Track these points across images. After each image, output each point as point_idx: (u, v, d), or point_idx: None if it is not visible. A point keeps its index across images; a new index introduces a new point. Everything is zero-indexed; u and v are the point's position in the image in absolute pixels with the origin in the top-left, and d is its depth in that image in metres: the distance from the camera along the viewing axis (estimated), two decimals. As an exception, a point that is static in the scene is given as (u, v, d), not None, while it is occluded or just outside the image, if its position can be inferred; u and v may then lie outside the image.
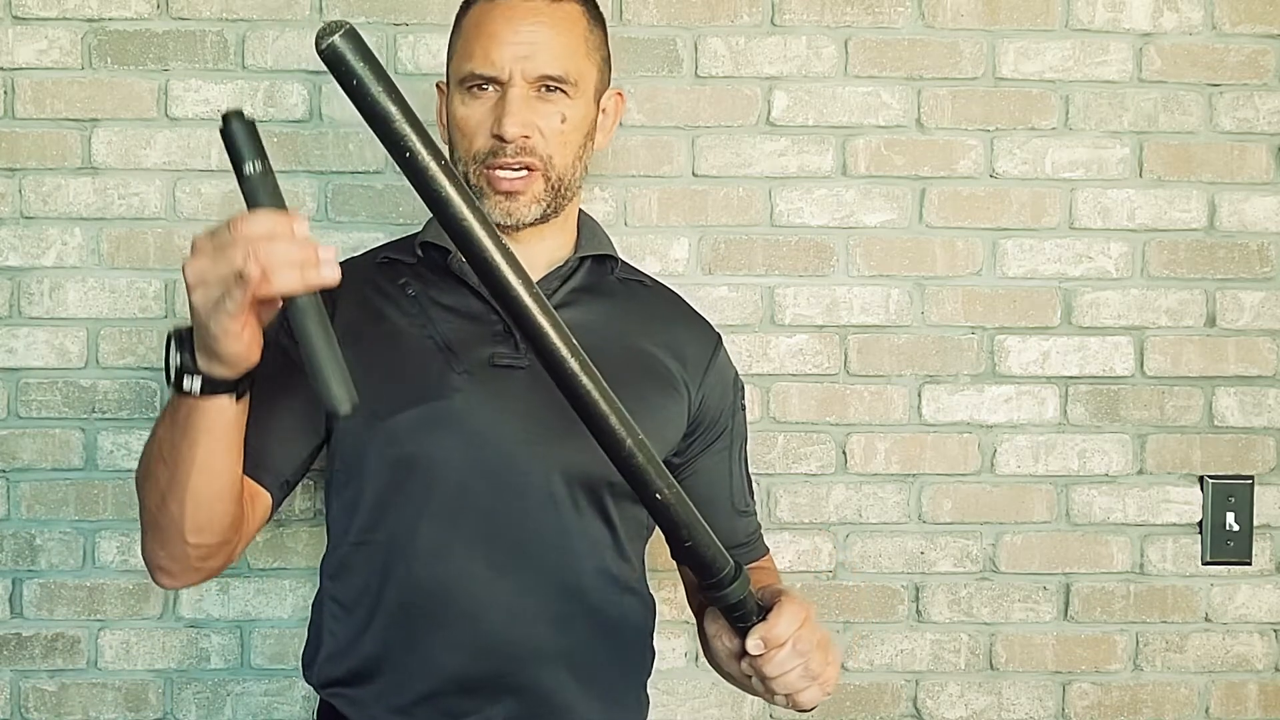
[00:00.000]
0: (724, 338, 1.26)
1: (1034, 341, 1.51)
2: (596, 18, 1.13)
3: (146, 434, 1.46)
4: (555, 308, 1.07)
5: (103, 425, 1.47)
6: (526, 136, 1.05)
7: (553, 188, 1.08)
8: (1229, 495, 1.51)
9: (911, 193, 1.50)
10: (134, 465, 1.47)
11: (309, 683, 1.13)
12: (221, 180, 1.47)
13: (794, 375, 1.50)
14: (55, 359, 1.47)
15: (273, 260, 0.76)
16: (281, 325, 1.01)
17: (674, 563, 1.23)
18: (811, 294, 1.50)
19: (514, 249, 1.08)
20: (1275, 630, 1.53)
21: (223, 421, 0.89)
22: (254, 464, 1.03)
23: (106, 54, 1.46)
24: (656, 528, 1.17)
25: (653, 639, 1.19)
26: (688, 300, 1.26)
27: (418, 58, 1.46)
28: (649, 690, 1.18)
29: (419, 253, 1.13)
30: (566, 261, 1.13)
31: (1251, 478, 1.52)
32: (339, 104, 1.46)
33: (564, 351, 0.82)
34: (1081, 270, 1.51)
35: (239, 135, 0.83)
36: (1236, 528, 1.51)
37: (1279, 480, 1.52)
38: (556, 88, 1.06)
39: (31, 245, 1.46)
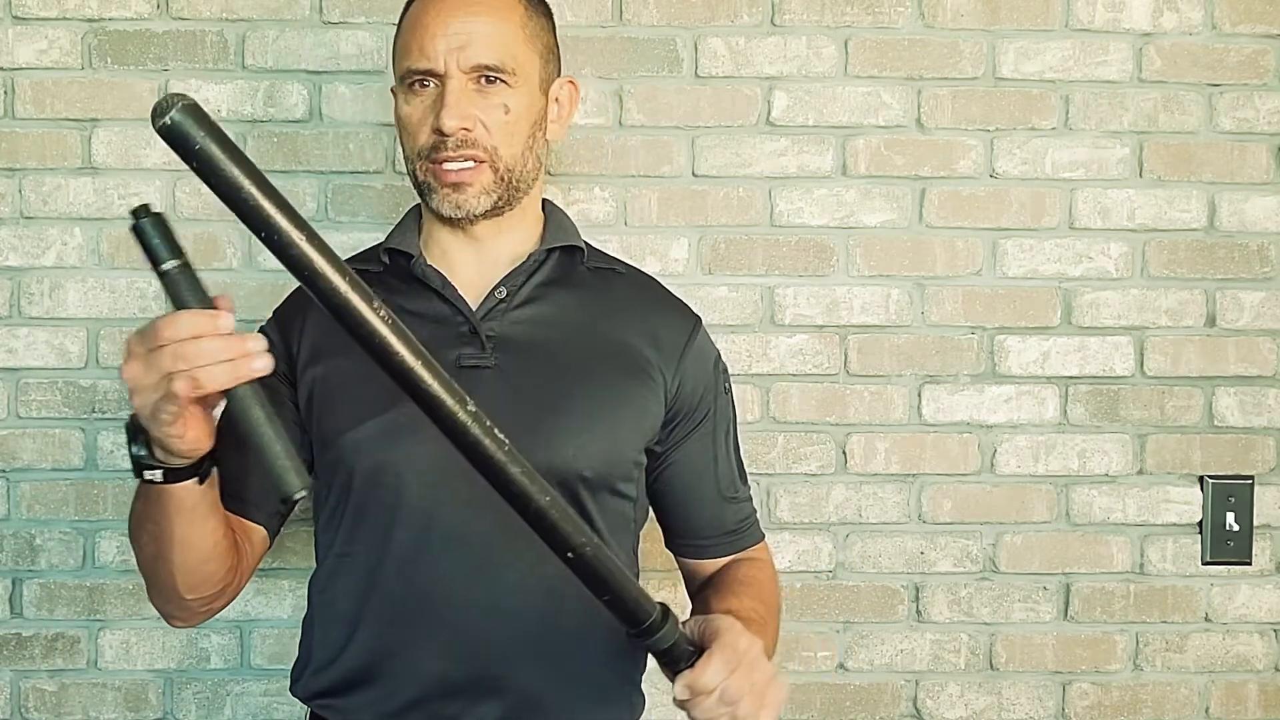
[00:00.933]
0: (724, 338, 1.25)
1: (1034, 341, 1.51)
2: (537, 7, 1.11)
3: (146, 434, 1.47)
4: (522, 304, 1.08)
5: (103, 425, 1.47)
6: (467, 129, 1.04)
7: (502, 179, 1.06)
8: (1229, 495, 1.51)
9: (911, 193, 1.50)
10: (134, 465, 1.47)
11: (296, 696, 1.13)
12: (221, 180, 1.47)
13: (794, 375, 1.50)
14: (55, 359, 1.47)
15: (200, 361, 0.77)
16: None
17: (670, 563, 1.23)
18: (811, 294, 1.50)
19: (472, 246, 1.10)
20: (1275, 630, 1.53)
21: (190, 501, 0.91)
22: (242, 501, 1.05)
23: (106, 54, 1.46)
24: (649, 520, 1.17)
25: None
26: (670, 290, 1.22)
27: (418, 58, 1.46)
28: (646, 689, 1.17)
29: (384, 260, 1.13)
30: (531, 255, 1.11)
31: (1251, 478, 1.52)
32: (339, 104, 1.46)
33: (462, 417, 0.78)
34: (1081, 270, 1.51)
35: (151, 233, 0.81)
36: (1236, 528, 1.51)
37: (1279, 480, 1.52)
38: (496, 78, 1.05)
39: (31, 245, 1.46)
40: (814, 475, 1.50)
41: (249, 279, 1.46)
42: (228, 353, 0.78)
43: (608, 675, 1.09)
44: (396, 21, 1.11)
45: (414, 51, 1.05)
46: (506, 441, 0.81)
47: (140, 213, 0.81)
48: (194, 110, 0.69)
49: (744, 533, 1.21)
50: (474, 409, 0.79)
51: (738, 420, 1.21)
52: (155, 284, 1.46)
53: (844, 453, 1.50)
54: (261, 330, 1.15)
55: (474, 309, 1.08)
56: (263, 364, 0.79)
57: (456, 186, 1.05)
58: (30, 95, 1.46)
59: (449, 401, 0.78)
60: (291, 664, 1.16)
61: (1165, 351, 1.51)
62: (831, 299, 1.50)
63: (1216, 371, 1.52)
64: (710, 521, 1.17)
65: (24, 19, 1.46)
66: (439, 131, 1.03)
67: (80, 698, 1.48)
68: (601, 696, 1.08)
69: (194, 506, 0.92)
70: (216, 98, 1.46)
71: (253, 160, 0.72)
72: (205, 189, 1.40)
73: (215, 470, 0.93)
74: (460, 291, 1.09)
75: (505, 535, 1.02)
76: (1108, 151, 1.50)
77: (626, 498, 1.11)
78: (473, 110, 1.04)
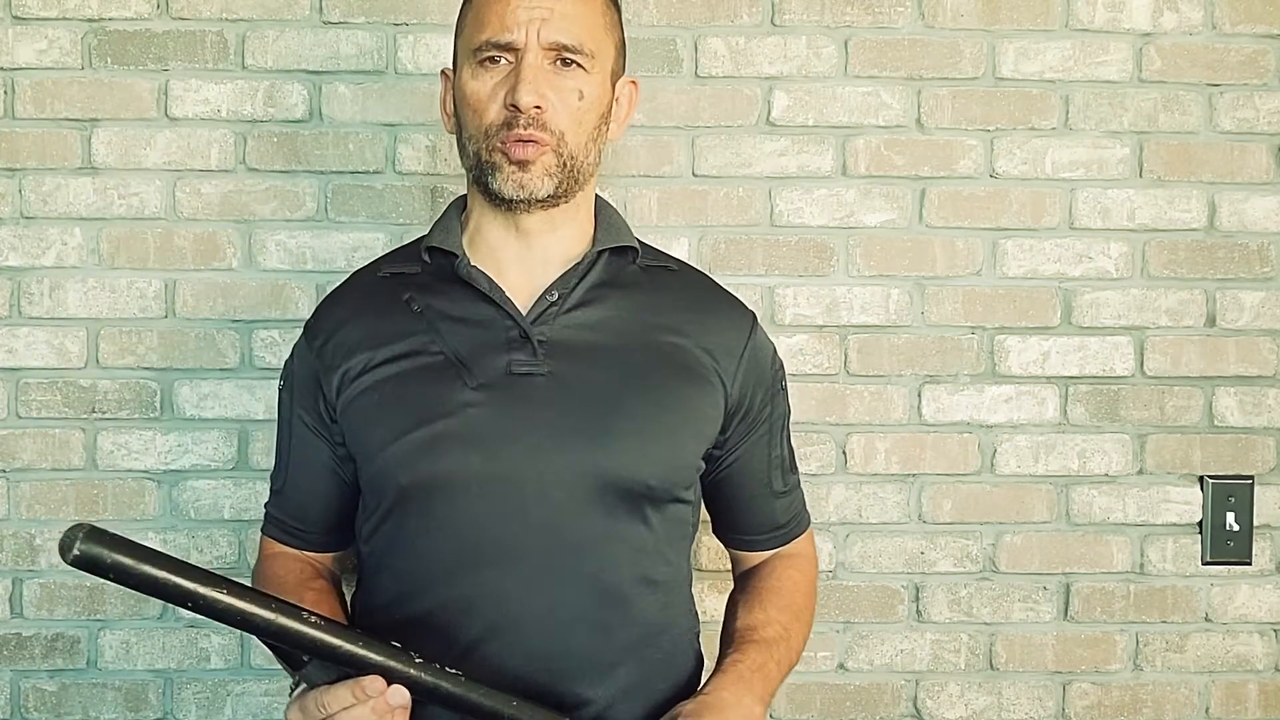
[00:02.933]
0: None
1: (1034, 341, 1.51)
2: (612, 1, 1.09)
3: (146, 433, 1.48)
4: (575, 307, 1.06)
5: (103, 425, 1.47)
6: (540, 108, 1.00)
7: (564, 165, 1.02)
8: (1229, 495, 1.51)
9: (911, 193, 1.50)
10: (134, 465, 1.48)
11: None
12: (221, 180, 1.47)
13: (794, 375, 1.49)
14: (55, 359, 1.47)
15: None
16: (294, 393, 1.13)
17: (718, 563, 1.23)
18: (811, 294, 1.50)
19: (522, 243, 1.07)
20: (1275, 630, 1.53)
21: None
22: (320, 543, 1.16)
23: (106, 54, 1.46)
24: (703, 526, 1.17)
25: (699, 646, 1.16)
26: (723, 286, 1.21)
27: (417, 58, 1.46)
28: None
29: (425, 258, 1.09)
30: (584, 257, 1.08)
31: (1251, 478, 1.52)
32: (339, 104, 1.46)
33: (413, 671, 0.90)
34: (1081, 270, 1.51)
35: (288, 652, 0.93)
36: (1236, 528, 1.51)
37: (1279, 480, 1.52)
38: (573, 61, 1.02)
39: (31, 245, 1.46)
40: (814, 475, 1.50)
41: (249, 279, 1.46)
42: (378, 713, 0.88)
43: (662, 684, 1.07)
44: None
45: (492, 22, 1.01)
46: (461, 674, 0.92)
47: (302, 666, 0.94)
48: (95, 534, 0.79)
49: (791, 526, 1.21)
50: (419, 660, 0.91)
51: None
52: (155, 284, 1.47)
53: (844, 453, 1.50)
54: (294, 350, 1.14)
55: (524, 313, 1.05)
56: (404, 712, 0.90)
57: (522, 165, 1.01)
58: (30, 95, 1.46)
59: (396, 665, 0.89)
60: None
61: (1165, 351, 1.51)
62: (831, 299, 1.50)
63: (1216, 371, 1.52)
64: (762, 520, 1.17)
65: (24, 19, 1.46)
66: (513, 107, 1.00)
67: (80, 698, 1.48)
68: (657, 707, 1.05)
69: None
70: (216, 98, 1.46)
71: (153, 550, 0.83)
72: (205, 189, 1.42)
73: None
74: (508, 294, 1.05)
75: (558, 546, 1.01)
76: (1108, 151, 1.50)
77: (686, 503, 1.09)
78: (548, 90, 1.01)
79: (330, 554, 1.19)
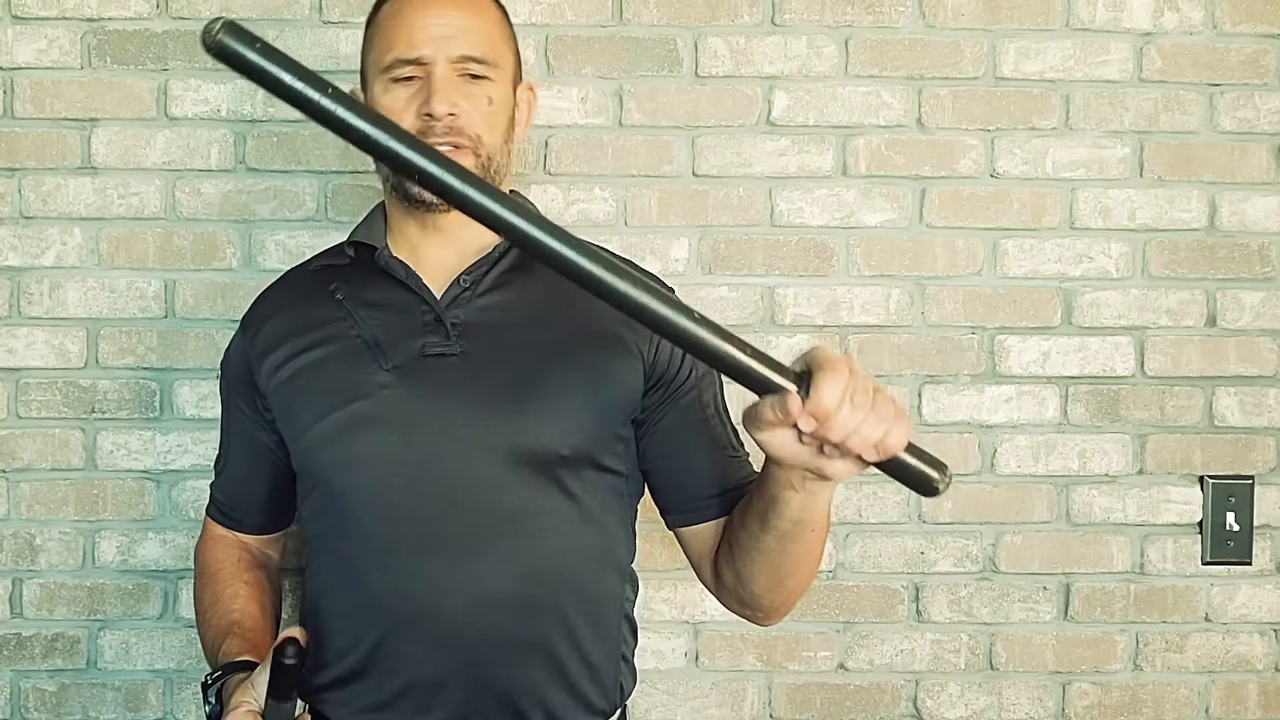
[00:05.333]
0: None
1: (1034, 341, 1.51)
2: (505, 12, 1.16)
3: (147, 434, 1.47)
4: (487, 290, 1.10)
5: (103, 425, 1.47)
6: (454, 115, 1.06)
7: (483, 167, 1.08)
8: (1229, 495, 1.51)
9: (912, 193, 1.50)
10: (134, 464, 1.48)
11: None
12: (221, 180, 1.47)
13: (794, 375, 1.50)
14: (55, 359, 1.47)
15: None
16: (229, 380, 1.19)
17: (672, 563, 1.22)
18: (811, 294, 1.50)
19: (439, 237, 1.12)
20: (1275, 630, 1.53)
21: None
22: (259, 525, 1.24)
23: (106, 54, 1.46)
24: (644, 493, 1.16)
25: (633, 610, 1.16)
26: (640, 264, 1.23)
27: (418, 57, 1.46)
28: (654, 692, 1.17)
29: (350, 253, 1.15)
30: (495, 246, 1.12)
31: (1251, 478, 1.52)
32: (339, 104, 1.46)
33: (566, 244, 0.79)
34: (1082, 270, 1.51)
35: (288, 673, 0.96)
36: (1237, 528, 1.51)
37: (1279, 480, 1.52)
38: (479, 72, 1.08)
39: (31, 245, 1.46)
40: (814, 475, 1.50)
41: (249, 279, 1.46)
42: None
43: (594, 655, 1.09)
44: (370, 13, 1.14)
45: (401, 42, 1.08)
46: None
47: (289, 653, 0.95)
48: (234, 27, 0.74)
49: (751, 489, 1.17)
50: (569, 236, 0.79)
51: (728, 408, 1.18)
52: (155, 284, 1.47)
53: (844, 453, 1.50)
54: (231, 341, 1.21)
55: (438, 298, 1.10)
56: None
57: None
58: (30, 95, 1.46)
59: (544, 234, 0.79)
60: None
61: (1165, 351, 1.51)
62: (832, 299, 1.50)
63: (1217, 371, 1.52)
64: (713, 479, 1.13)
65: (24, 19, 1.45)
66: (427, 116, 1.05)
67: (80, 698, 1.48)
68: (591, 676, 1.08)
69: None
70: (216, 98, 1.46)
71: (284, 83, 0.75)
72: (205, 189, 1.42)
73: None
74: (424, 281, 1.11)
75: (479, 524, 1.04)
76: (1108, 151, 1.50)
77: (614, 472, 1.10)
78: (459, 98, 1.07)
79: (264, 536, 1.26)
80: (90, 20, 1.46)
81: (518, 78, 1.16)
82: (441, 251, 1.13)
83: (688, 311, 0.79)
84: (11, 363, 1.47)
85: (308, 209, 1.47)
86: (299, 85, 0.75)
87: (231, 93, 1.46)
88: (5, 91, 1.46)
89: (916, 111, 1.49)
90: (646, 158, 1.48)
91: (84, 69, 1.46)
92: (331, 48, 1.46)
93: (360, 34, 1.45)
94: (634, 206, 1.49)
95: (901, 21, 1.49)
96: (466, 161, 1.07)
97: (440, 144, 1.05)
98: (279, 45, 1.46)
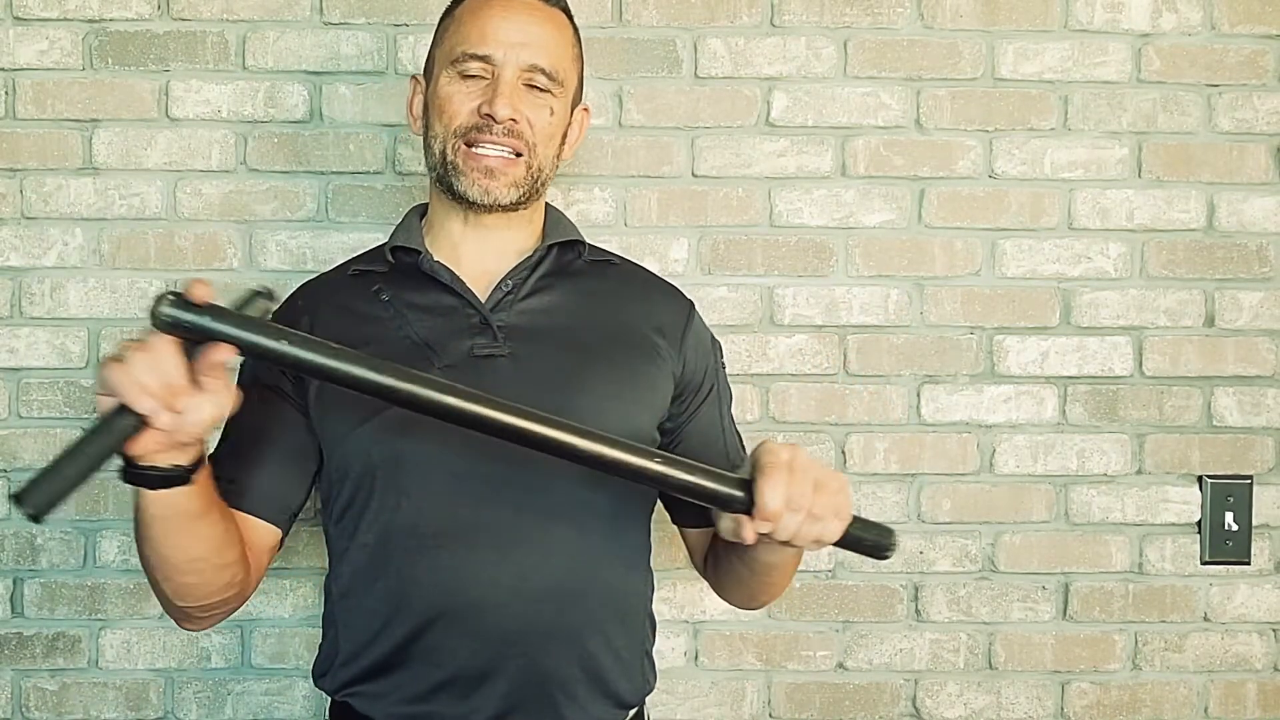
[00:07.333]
0: (724, 337, 1.26)
1: (1033, 341, 1.51)
2: (578, 35, 1.18)
3: (147, 434, 1.47)
4: (529, 295, 1.12)
5: (103, 425, 1.47)
6: (514, 120, 1.08)
7: (532, 177, 1.10)
8: (1228, 495, 1.51)
9: (911, 193, 1.50)
10: (135, 465, 1.47)
11: (323, 689, 1.13)
12: (222, 180, 1.47)
13: (793, 375, 1.50)
14: (56, 359, 1.47)
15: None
16: (256, 367, 1.12)
17: (672, 562, 1.23)
18: (811, 294, 1.50)
19: (480, 237, 1.14)
20: (1274, 630, 1.53)
21: (179, 509, 0.94)
22: (256, 502, 1.09)
23: (107, 55, 1.46)
24: (658, 500, 1.18)
25: (652, 606, 1.18)
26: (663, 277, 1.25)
27: (418, 58, 1.46)
28: (654, 691, 1.18)
29: (390, 258, 1.15)
30: (535, 250, 1.15)
31: (1250, 478, 1.52)
32: (339, 104, 1.47)
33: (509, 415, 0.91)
34: (1080, 270, 1.51)
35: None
36: (1235, 527, 1.51)
37: (1278, 480, 1.53)
38: (544, 85, 1.10)
39: (33, 245, 1.47)
40: (813, 475, 1.50)
41: (249, 279, 1.46)
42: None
43: (624, 649, 1.11)
44: (447, 6, 1.15)
45: (474, 36, 1.09)
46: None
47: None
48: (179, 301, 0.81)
49: None
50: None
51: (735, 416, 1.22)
52: (156, 284, 1.47)
53: (843, 452, 1.51)
54: None
55: (483, 301, 1.11)
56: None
57: (489, 172, 1.09)
58: (31, 96, 1.46)
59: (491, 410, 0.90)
60: (293, 662, 1.17)
61: (1164, 351, 1.52)
62: (831, 299, 1.50)
63: (1215, 371, 1.52)
64: None
65: (25, 19, 1.46)
66: (488, 115, 1.07)
67: (81, 697, 1.48)
68: (621, 670, 1.10)
69: (183, 516, 0.94)
70: (217, 98, 1.46)
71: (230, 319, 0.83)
72: (206, 189, 1.42)
73: (209, 476, 0.95)
74: (468, 284, 1.12)
75: (527, 518, 1.05)
76: (1107, 152, 1.51)
77: None
78: (522, 106, 1.09)
79: (244, 515, 1.11)
80: (91, 21, 1.46)
81: (578, 99, 1.18)
82: (482, 251, 1.14)
83: (650, 454, 0.93)
84: (13, 363, 1.47)
85: (308, 209, 1.47)
86: (257, 338, 0.81)
87: (232, 93, 1.46)
88: (7, 92, 1.46)
89: (915, 112, 1.50)
90: (646, 158, 1.49)
91: (85, 70, 1.46)
92: (332, 48, 1.47)
93: (360, 34, 1.47)
94: (633, 207, 1.49)
95: (900, 23, 1.49)
96: (518, 170, 1.09)
97: (496, 145, 1.08)
98: (279, 45, 1.47)
